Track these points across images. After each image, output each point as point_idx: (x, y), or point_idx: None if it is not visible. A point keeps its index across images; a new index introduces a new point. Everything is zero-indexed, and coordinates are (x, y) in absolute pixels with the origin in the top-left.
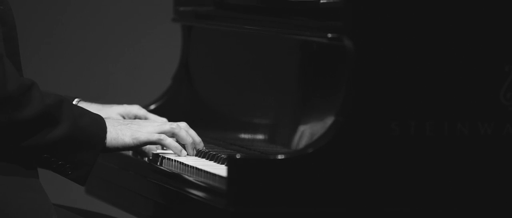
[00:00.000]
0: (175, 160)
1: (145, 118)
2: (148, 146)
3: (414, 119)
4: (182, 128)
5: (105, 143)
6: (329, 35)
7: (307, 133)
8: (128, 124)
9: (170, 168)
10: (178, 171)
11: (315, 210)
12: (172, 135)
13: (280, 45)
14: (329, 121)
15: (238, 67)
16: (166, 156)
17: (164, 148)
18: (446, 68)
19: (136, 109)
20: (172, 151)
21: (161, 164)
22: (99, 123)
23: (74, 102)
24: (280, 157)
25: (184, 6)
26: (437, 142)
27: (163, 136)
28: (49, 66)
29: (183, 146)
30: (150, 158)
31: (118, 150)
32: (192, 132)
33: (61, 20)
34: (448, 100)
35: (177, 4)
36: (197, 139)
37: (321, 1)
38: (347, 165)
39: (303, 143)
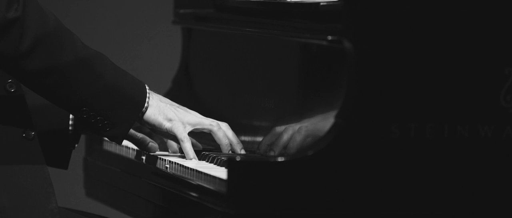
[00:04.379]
0: (175, 162)
1: None
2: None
3: (414, 121)
4: (221, 128)
5: (146, 108)
6: (329, 37)
7: (306, 135)
8: (176, 107)
9: (170, 170)
10: (178, 173)
11: (315, 213)
12: (210, 131)
13: (280, 47)
14: (329, 123)
15: (238, 69)
16: (166, 158)
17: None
18: (446, 70)
19: None
20: (186, 156)
21: (161, 166)
22: (140, 86)
23: None
24: (280, 159)
25: (184, 9)
26: (437, 144)
27: (185, 138)
28: None
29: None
30: (150, 158)
31: (154, 127)
32: (231, 133)
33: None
34: (448, 102)
35: (177, 7)
36: (235, 140)
37: (321, 4)
38: (347, 168)
39: (303, 145)
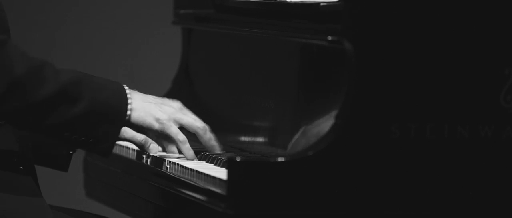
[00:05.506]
0: (175, 163)
1: None
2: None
3: (415, 121)
4: (207, 132)
5: (130, 115)
6: (329, 38)
7: (307, 136)
8: (160, 104)
9: (171, 170)
10: (179, 173)
11: (315, 213)
12: (196, 133)
13: (280, 48)
14: (329, 123)
15: (238, 70)
16: (166, 159)
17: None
18: (446, 71)
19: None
20: (185, 157)
21: (161, 167)
22: (121, 95)
23: None
24: (280, 159)
25: (184, 9)
26: (437, 144)
27: (182, 138)
28: None
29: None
30: (150, 159)
31: (143, 129)
32: (211, 136)
33: (61, 24)
34: (449, 103)
35: (177, 7)
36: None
37: (321, 4)
38: (348, 168)
39: (303, 146)
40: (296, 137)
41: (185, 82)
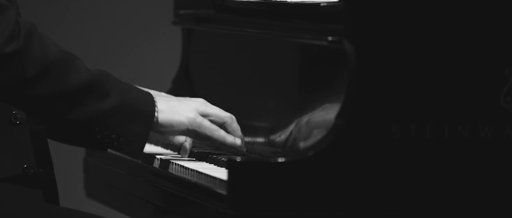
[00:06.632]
0: (175, 163)
1: None
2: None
3: (415, 122)
4: (234, 121)
5: (157, 117)
6: (330, 38)
7: (307, 136)
8: (183, 101)
9: (171, 171)
10: (179, 174)
11: (315, 214)
12: (224, 123)
13: (280, 48)
14: (329, 123)
15: (238, 70)
16: (166, 159)
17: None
18: (447, 71)
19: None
20: (234, 135)
21: (161, 167)
22: (147, 97)
23: None
24: (280, 160)
25: (184, 9)
26: (437, 145)
27: (220, 126)
28: None
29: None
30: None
31: (173, 128)
32: (238, 126)
33: (60, 23)
34: (449, 103)
35: (177, 7)
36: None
37: (322, 4)
38: (348, 168)
39: (303, 146)
40: (293, 134)
41: (185, 82)
